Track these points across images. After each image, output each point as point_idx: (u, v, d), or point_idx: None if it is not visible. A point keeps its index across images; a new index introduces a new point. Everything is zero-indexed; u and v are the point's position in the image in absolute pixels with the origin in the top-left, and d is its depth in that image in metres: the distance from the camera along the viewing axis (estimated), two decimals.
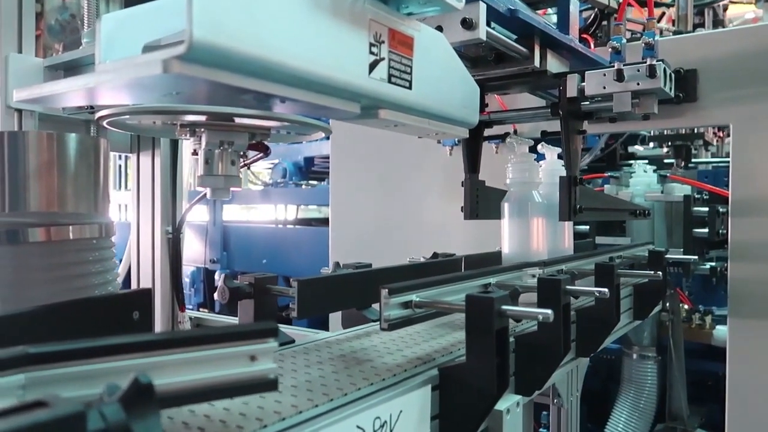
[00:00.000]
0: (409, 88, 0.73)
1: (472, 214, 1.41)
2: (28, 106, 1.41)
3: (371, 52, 0.67)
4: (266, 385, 0.53)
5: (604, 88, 1.14)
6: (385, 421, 0.69)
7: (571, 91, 1.20)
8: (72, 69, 1.44)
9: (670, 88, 1.18)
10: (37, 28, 1.71)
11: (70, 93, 0.60)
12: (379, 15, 0.68)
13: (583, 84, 1.19)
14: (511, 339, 0.85)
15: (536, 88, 1.40)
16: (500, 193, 1.39)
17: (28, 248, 0.92)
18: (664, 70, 1.13)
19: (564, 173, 1.26)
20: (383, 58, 0.68)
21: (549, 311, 0.73)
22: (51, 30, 1.83)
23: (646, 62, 1.10)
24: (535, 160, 1.35)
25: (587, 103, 1.23)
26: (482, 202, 1.43)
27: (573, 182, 1.22)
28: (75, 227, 0.95)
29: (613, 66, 1.13)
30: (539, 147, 1.39)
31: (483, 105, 1.31)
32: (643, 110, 1.14)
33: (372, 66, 0.67)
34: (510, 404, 0.82)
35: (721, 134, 2.44)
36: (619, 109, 1.13)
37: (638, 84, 1.11)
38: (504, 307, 0.74)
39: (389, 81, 0.70)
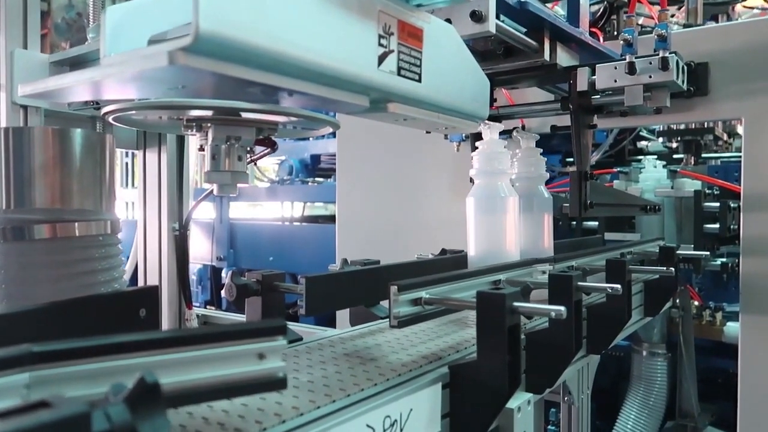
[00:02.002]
0: (419, 81, 0.72)
1: None
2: (34, 101, 1.41)
3: (380, 44, 0.66)
4: (275, 383, 0.52)
5: (616, 81, 1.13)
6: (396, 420, 0.68)
7: (582, 85, 1.18)
8: (78, 65, 1.43)
9: (683, 81, 1.17)
10: (44, 26, 1.70)
11: (75, 87, 0.59)
12: (389, 6, 0.66)
13: (593, 78, 1.17)
14: (522, 336, 0.84)
15: (546, 82, 1.38)
16: None
17: (33, 245, 0.92)
18: (677, 62, 1.12)
19: (542, 163, 1.24)
20: (393, 51, 0.67)
21: (562, 308, 0.72)
22: (57, 28, 1.82)
23: (658, 54, 1.09)
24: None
25: (598, 96, 1.21)
26: None
27: (584, 177, 1.22)
28: (81, 224, 0.94)
29: (625, 59, 1.11)
30: (514, 134, 1.28)
31: (492, 100, 1.28)
32: (655, 104, 1.13)
33: (381, 58, 0.66)
34: (521, 402, 0.81)
35: (730, 140, 2.42)
36: (630, 102, 1.12)
37: (650, 77, 1.10)
38: (516, 303, 0.73)
39: (399, 74, 0.68)
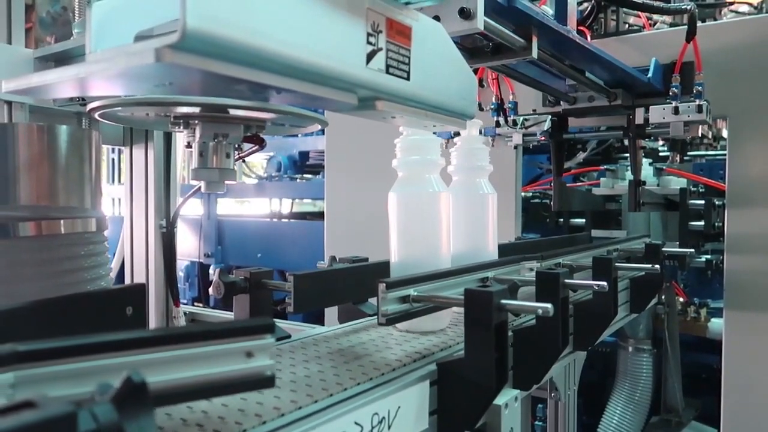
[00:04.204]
0: (407, 78, 0.71)
1: None
2: (18, 97, 1.39)
3: (369, 42, 0.65)
4: (263, 381, 0.52)
5: (664, 118, 1.49)
6: (383, 417, 0.68)
7: (639, 120, 1.57)
8: (63, 60, 1.41)
9: (710, 118, 1.52)
10: (29, 20, 1.68)
11: (60, 83, 0.58)
12: (377, 4, 0.66)
13: (647, 115, 1.54)
14: (510, 333, 0.84)
15: (608, 115, 1.77)
16: None
17: (18, 243, 0.91)
18: (707, 107, 1.48)
19: (485, 153, 1.19)
20: (381, 48, 0.67)
21: (549, 305, 0.72)
22: (42, 22, 1.80)
23: (696, 102, 1.47)
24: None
25: (650, 128, 1.59)
26: None
27: (638, 184, 1.67)
28: (66, 221, 0.93)
29: (672, 104, 1.48)
30: None
31: (567, 127, 1.78)
32: (690, 134, 1.50)
33: (370, 56, 0.66)
34: (508, 399, 0.81)
35: (716, 144, 2.45)
36: (674, 133, 1.49)
37: (689, 116, 1.46)
38: (503, 301, 0.73)
39: (387, 71, 0.68)
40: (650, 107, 1.53)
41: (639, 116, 1.58)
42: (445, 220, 0.99)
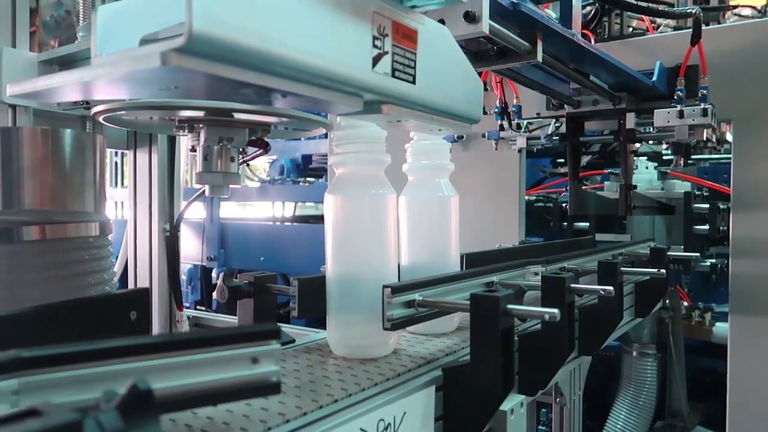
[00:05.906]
0: (413, 82, 0.71)
1: None
2: (22, 101, 1.39)
3: (375, 46, 0.65)
4: (268, 388, 0.51)
5: (669, 122, 1.49)
6: (389, 423, 0.67)
7: (630, 124, 1.61)
8: (67, 64, 1.41)
9: (715, 122, 1.52)
10: (32, 24, 1.68)
11: (65, 87, 0.58)
12: (383, 7, 0.66)
13: (638, 119, 1.60)
14: (515, 338, 0.84)
15: (611, 119, 1.76)
16: None
17: (22, 247, 0.91)
18: (712, 111, 1.47)
19: (445, 150, 1.03)
20: (387, 52, 0.67)
21: (556, 310, 0.72)
22: (46, 26, 1.80)
23: (701, 105, 1.48)
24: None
25: (642, 130, 1.64)
26: None
27: (628, 188, 1.68)
28: (70, 225, 0.93)
29: (676, 107, 1.48)
30: None
31: (583, 130, 1.76)
32: (695, 138, 1.51)
33: (376, 60, 0.65)
34: (514, 404, 0.81)
35: (719, 147, 2.45)
36: (679, 137, 1.49)
37: (693, 120, 1.46)
38: (509, 306, 0.73)
39: (393, 75, 0.68)
40: (655, 111, 1.53)
41: (630, 120, 1.59)
42: (392, 226, 0.85)
